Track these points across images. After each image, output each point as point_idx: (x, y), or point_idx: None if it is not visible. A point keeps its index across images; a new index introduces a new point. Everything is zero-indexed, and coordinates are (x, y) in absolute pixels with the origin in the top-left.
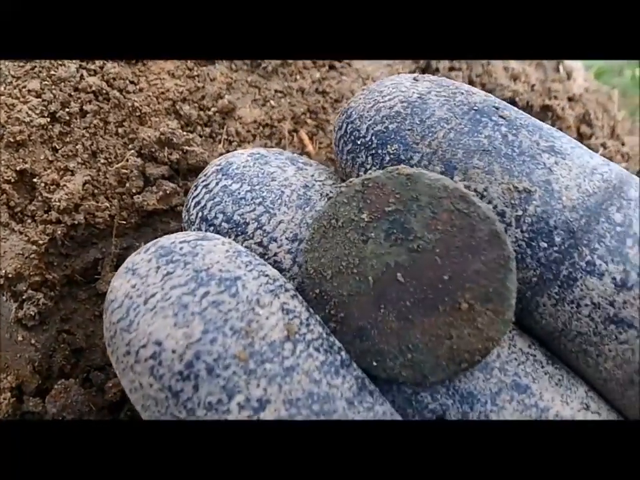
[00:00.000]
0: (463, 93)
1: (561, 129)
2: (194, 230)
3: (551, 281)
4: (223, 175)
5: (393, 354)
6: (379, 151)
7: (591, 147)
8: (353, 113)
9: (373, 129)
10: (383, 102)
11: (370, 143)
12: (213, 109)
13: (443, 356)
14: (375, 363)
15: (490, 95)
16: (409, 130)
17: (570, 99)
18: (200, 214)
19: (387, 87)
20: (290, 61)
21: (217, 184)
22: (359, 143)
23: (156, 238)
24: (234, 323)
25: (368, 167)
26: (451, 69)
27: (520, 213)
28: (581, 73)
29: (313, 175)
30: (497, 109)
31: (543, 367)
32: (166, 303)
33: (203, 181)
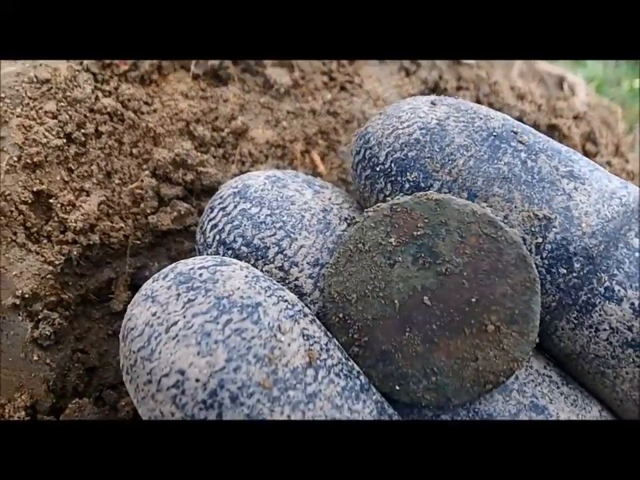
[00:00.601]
0: (481, 118)
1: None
2: (211, 253)
3: (570, 306)
4: (241, 198)
5: (416, 377)
6: (399, 178)
7: None
8: (371, 138)
9: (392, 155)
10: (401, 128)
11: (389, 170)
12: (226, 130)
13: (467, 378)
14: (397, 387)
15: (508, 117)
16: (428, 157)
17: (575, 117)
18: (218, 237)
19: (404, 112)
20: (301, 82)
21: (235, 207)
22: (377, 169)
23: (170, 258)
24: (257, 350)
25: (387, 193)
26: (459, 88)
27: (540, 240)
28: (582, 88)
29: (330, 199)
30: (516, 133)
31: (558, 387)
32: (188, 331)
33: (219, 204)
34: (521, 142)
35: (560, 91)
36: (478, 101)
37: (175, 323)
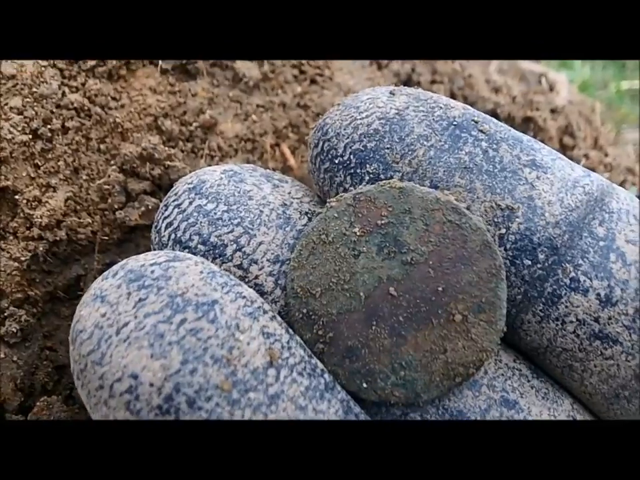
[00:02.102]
0: (441, 107)
1: (543, 141)
2: None
3: (535, 299)
4: (196, 194)
5: (384, 373)
6: (358, 171)
7: (574, 158)
8: (329, 130)
9: (350, 147)
10: (360, 119)
11: (348, 162)
12: (194, 124)
13: (436, 372)
14: (365, 385)
15: (468, 107)
16: (388, 148)
17: (552, 111)
18: (173, 235)
19: (363, 102)
20: (271, 76)
21: (191, 203)
22: (336, 162)
23: (139, 253)
24: (214, 350)
25: (347, 186)
26: (433, 81)
27: (503, 231)
28: (565, 86)
29: (290, 193)
30: (476, 122)
31: (529, 380)
32: (140, 332)
33: (174, 200)
34: (481, 131)
35: (539, 86)
36: (452, 95)
37: (126, 324)
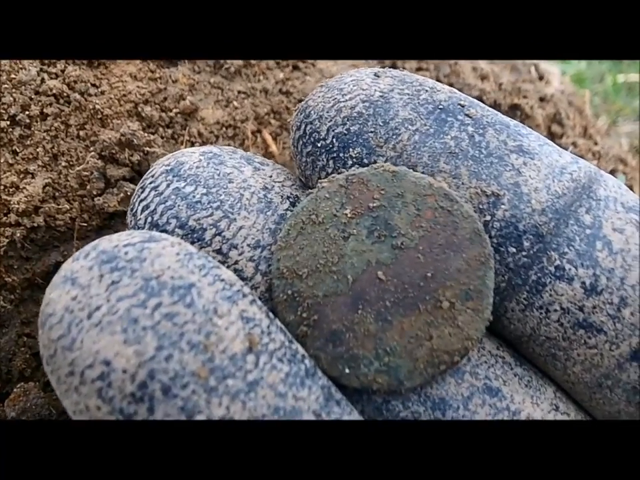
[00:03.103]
0: (427, 90)
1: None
2: None
3: (519, 287)
4: (174, 176)
5: (368, 359)
6: (341, 154)
7: (562, 146)
8: (312, 112)
9: (333, 130)
10: (343, 101)
11: (331, 145)
12: (175, 111)
13: (421, 359)
14: (347, 370)
15: (455, 90)
16: (372, 132)
17: (541, 99)
18: (149, 219)
19: (347, 84)
20: (253, 62)
21: (168, 186)
22: (319, 145)
23: None
24: (191, 336)
25: (329, 170)
26: (419, 69)
27: (488, 217)
28: (556, 77)
29: (271, 176)
30: (463, 106)
31: (512, 368)
32: (113, 316)
33: (151, 183)
34: (468, 115)
35: (528, 75)
36: (438, 82)
37: (98, 308)
